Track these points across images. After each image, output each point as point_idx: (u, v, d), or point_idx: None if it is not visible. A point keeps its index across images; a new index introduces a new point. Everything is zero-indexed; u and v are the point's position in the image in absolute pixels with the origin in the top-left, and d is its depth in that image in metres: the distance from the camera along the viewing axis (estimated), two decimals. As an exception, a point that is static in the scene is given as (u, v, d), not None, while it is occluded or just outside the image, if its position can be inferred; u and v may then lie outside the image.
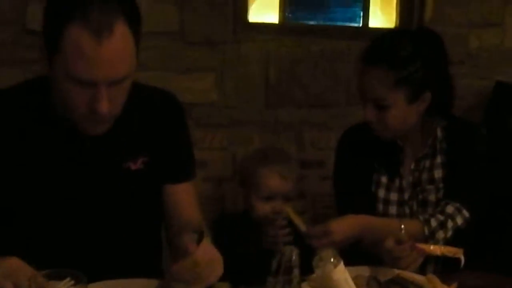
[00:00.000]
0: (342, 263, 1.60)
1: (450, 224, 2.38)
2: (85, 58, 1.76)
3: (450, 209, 2.42)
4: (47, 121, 2.00)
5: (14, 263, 1.74)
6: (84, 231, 2.06)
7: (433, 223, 2.36)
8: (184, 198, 2.25)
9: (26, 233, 2.03)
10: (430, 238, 2.33)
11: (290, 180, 2.91)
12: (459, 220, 2.40)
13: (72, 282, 1.62)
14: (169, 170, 2.21)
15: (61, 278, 1.62)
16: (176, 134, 2.23)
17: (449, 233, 2.37)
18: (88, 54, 1.76)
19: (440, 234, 2.36)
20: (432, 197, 2.53)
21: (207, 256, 1.80)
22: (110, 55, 1.78)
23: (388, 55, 2.39)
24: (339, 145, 2.68)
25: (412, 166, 2.53)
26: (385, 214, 2.53)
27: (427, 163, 2.54)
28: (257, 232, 2.79)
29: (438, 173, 2.54)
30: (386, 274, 2.21)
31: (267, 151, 3.17)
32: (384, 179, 2.56)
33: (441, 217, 2.38)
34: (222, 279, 1.83)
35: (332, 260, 1.59)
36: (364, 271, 2.23)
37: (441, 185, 2.53)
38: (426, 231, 2.34)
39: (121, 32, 1.79)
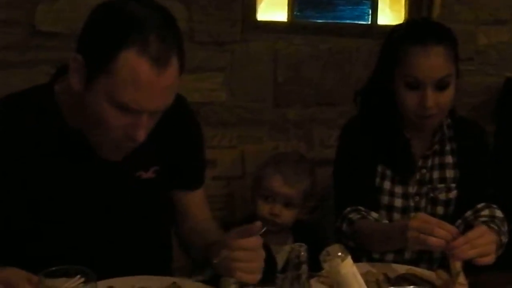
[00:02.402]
0: (349, 257, 1.60)
1: (504, 228, 2.37)
2: (141, 87, 1.75)
3: (498, 213, 2.43)
4: (56, 130, 1.97)
5: (12, 273, 1.74)
6: (95, 236, 2.06)
7: (499, 231, 2.32)
8: (196, 204, 2.28)
9: (39, 238, 2.02)
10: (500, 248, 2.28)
11: (293, 186, 2.91)
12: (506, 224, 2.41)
13: (82, 279, 1.62)
14: (181, 178, 2.23)
15: (70, 275, 1.62)
16: (188, 144, 2.23)
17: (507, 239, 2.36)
18: (145, 83, 1.75)
19: (503, 239, 2.33)
20: (442, 196, 2.53)
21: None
22: (165, 87, 1.79)
23: (445, 31, 2.43)
24: (342, 135, 2.65)
25: (420, 163, 2.53)
26: (390, 206, 2.52)
27: (436, 160, 2.54)
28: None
29: (449, 173, 2.54)
30: (396, 270, 2.21)
31: (283, 154, 3.18)
32: (389, 171, 2.53)
33: (498, 222, 2.36)
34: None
35: (339, 254, 1.59)
36: (374, 267, 2.23)
37: (453, 185, 2.53)
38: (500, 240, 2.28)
39: (174, 66, 1.80)
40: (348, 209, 2.44)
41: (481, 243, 2.06)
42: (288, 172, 2.94)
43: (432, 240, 2.03)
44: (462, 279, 2.03)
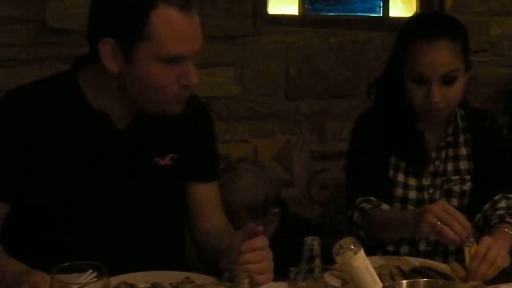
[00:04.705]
0: (362, 250, 1.59)
1: None
2: (180, 34, 1.89)
3: None
4: (79, 114, 2.02)
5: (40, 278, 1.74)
6: (110, 222, 2.08)
7: None
8: (209, 198, 2.29)
9: (53, 225, 2.05)
10: None
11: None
12: None
13: (95, 274, 1.61)
14: (195, 168, 2.24)
15: (82, 270, 1.61)
16: (204, 136, 2.27)
17: None
18: (182, 30, 1.89)
19: None
20: (457, 188, 2.51)
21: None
22: (197, 28, 1.94)
23: (452, 25, 2.41)
24: (355, 127, 2.62)
25: (434, 154, 2.51)
26: (404, 199, 2.50)
27: (450, 152, 2.53)
28: None
29: (464, 165, 2.52)
30: (410, 263, 2.20)
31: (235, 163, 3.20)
32: (403, 163, 2.52)
33: None
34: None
35: (352, 247, 1.58)
36: (387, 260, 2.22)
37: (467, 177, 2.51)
38: None
39: (195, 4, 1.95)
40: (360, 199, 2.43)
41: (493, 255, 2.06)
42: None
43: (449, 232, 2.03)
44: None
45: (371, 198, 2.43)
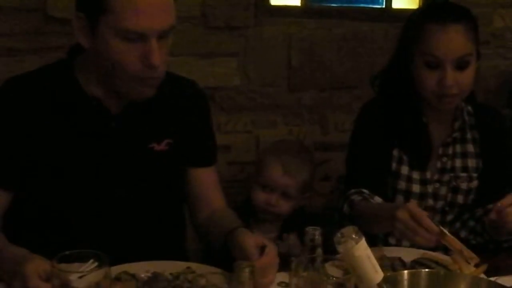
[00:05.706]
0: (363, 239, 1.59)
1: None
2: (138, 10, 1.87)
3: None
4: (74, 100, 2.04)
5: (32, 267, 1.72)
6: (108, 210, 2.09)
7: None
8: (207, 183, 2.30)
9: (51, 214, 2.07)
10: None
11: (293, 177, 2.87)
12: None
13: (96, 263, 1.61)
14: (193, 154, 2.25)
15: (83, 259, 1.61)
16: (200, 121, 2.27)
17: None
18: (140, 6, 1.88)
19: None
20: (463, 185, 2.51)
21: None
22: (159, 5, 1.91)
23: (465, 12, 2.41)
24: (358, 117, 2.61)
25: (440, 151, 2.50)
26: (407, 192, 2.49)
27: (458, 148, 2.51)
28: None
29: (471, 162, 2.53)
30: (411, 255, 2.20)
31: (284, 143, 3.16)
32: (406, 156, 2.51)
33: None
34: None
35: (353, 236, 1.57)
36: (389, 252, 2.22)
37: (474, 175, 2.51)
38: None
39: None
40: (352, 190, 2.43)
41: None
42: (288, 161, 2.89)
43: (418, 240, 2.03)
44: (467, 252, 2.02)
45: (363, 190, 2.41)
